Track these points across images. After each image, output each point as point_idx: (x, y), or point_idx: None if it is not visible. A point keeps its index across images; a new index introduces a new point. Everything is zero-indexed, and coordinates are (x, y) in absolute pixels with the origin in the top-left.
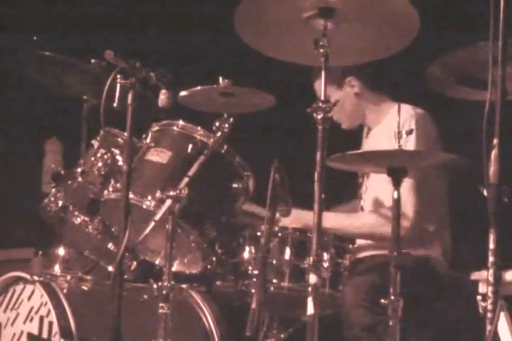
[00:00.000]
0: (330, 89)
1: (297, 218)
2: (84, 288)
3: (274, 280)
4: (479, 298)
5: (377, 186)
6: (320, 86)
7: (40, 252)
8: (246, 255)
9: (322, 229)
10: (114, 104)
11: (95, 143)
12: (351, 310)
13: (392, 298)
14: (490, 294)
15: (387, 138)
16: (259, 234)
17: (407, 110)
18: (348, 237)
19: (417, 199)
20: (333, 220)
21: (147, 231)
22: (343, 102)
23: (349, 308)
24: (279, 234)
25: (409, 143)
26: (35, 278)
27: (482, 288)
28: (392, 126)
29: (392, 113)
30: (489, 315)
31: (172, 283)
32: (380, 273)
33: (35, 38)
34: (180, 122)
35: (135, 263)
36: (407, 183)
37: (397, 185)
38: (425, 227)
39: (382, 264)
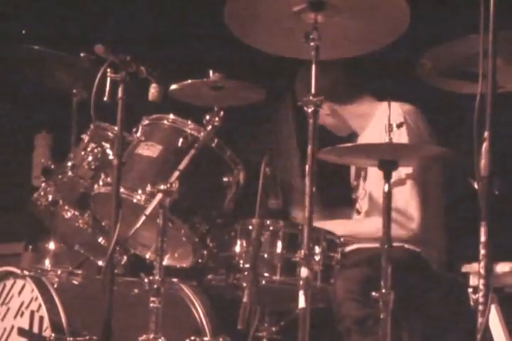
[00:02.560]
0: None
1: None
2: (75, 282)
3: (266, 274)
4: (470, 290)
5: (376, 190)
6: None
7: (31, 247)
8: (237, 248)
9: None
10: (105, 98)
11: (85, 137)
12: (342, 302)
13: (383, 290)
14: (481, 287)
15: (378, 137)
16: (250, 227)
17: (395, 107)
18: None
19: (421, 200)
20: (345, 228)
21: (138, 225)
22: (323, 121)
23: (340, 301)
24: (271, 228)
25: (401, 137)
26: (26, 272)
27: (473, 281)
28: (380, 127)
29: (378, 114)
30: (480, 307)
31: (163, 277)
32: (371, 265)
33: (23, 31)
34: (171, 116)
35: (125, 257)
36: (409, 184)
37: (388, 178)
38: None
39: (373, 257)
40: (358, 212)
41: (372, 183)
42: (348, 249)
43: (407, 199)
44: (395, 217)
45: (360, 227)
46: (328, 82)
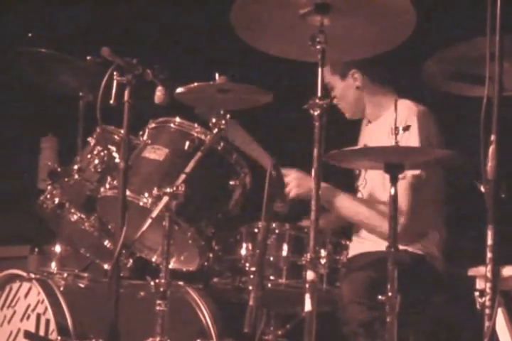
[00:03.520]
0: (334, 79)
1: (303, 182)
2: (81, 285)
3: (272, 277)
4: (477, 294)
5: (375, 180)
6: (327, 72)
7: (37, 249)
8: (243, 252)
9: (333, 208)
10: (111, 101)
11: (91, 140)
12: (348, 306)
13: (390, 294)
14: (488, 290)
15: (386, 134)
16: (256, 230)
17: (408, 106)
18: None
19: (413, 197)
20: (350, 203)
21: (144, 228)
22: (345, 93)
23: (346, 304)
24: (277, 231)
25: (408, 140)
26: (32, 275)
27: (479, 284)
28: (392, 122)
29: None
30: (487, 311)
31: (169, 280)
32: (377, 269)
33: (30, 34)
34: (177, 119)
35: (131, 260)
36: (404, 181)
37: (394, 181)
38: (420, 224)
39: (379, 260)
40: None
41: (371, 173)
42: (354, 252)
43: (399, 195)
44: (383, 210)
45: (361, 209)
46: (376, 57)
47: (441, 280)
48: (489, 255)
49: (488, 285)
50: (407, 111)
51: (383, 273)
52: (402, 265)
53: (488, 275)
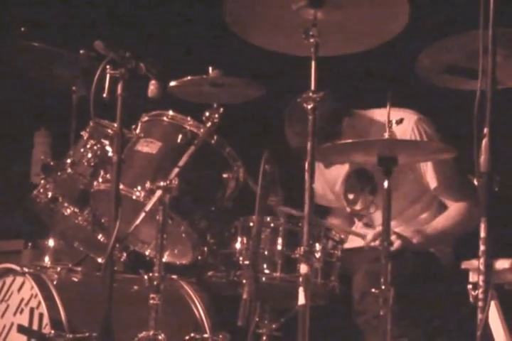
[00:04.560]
0: None
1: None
2: (75, 279)
3: (266, 271)
4: (470, 286)
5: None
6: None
7: (30, 244)
8: (238, 245)
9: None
10: (104, 95)
11: (85, 134)
12: (365, 296)
13: (383, 287)
14: (481, 283)
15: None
16: (251, 224)
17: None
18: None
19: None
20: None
21: (137, 222)
22: None
23: (363, 294)
24: (271, 225)
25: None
26: (25, 269)
27: (472, 277)
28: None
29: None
30: (480, 303)
31: (163, 273)
32: (393, 260)
33: (23, 28)
34: (170, 112)
35: (125, 254)
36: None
37: (388, 174)
38: None
39: (395, 252)
40: (368, 225)
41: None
42: (355, 245)
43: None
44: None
45: (446, 221)
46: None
47: (445, 276)
48: (482, 248)
49: (481, 278)
50: (406, 122)
51: (399, 265)
52: (410, 259)
53: (481, 268)
